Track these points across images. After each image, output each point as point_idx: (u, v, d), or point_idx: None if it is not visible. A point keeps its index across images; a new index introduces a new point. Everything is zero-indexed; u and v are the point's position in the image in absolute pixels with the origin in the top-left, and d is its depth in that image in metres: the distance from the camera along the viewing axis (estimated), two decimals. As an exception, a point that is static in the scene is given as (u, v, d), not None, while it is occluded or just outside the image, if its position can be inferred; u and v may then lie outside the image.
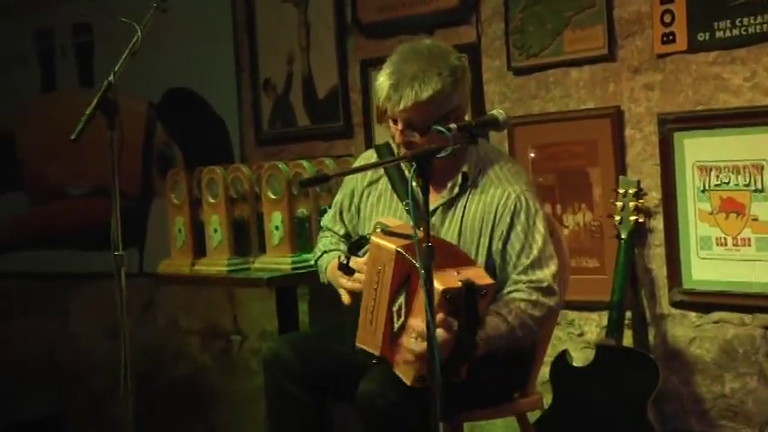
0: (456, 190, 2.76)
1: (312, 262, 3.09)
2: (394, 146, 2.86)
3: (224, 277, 3.57)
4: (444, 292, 2.42)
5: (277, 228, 3.48)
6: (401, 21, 3.73)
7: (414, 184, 2.49)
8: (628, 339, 3.24)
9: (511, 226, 2.70)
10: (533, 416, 3.04)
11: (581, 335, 3.42)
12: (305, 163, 3.48)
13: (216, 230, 3.59)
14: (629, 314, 3.25)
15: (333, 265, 2.86)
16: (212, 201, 3.60)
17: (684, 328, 3.21)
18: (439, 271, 2.39)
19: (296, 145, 4.15)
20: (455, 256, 2.59)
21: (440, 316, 2.41)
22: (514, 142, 3.48)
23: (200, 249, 3.69)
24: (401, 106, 2.65)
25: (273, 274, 3.43)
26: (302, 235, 3.51)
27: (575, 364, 3.16)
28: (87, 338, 5.05)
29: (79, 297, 5.12)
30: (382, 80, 2.71)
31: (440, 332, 2.40)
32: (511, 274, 2.70)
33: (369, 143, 3.91)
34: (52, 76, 5.04)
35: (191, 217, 3.68)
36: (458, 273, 2.48)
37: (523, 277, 2.68)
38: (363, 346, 2.65)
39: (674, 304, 3.22)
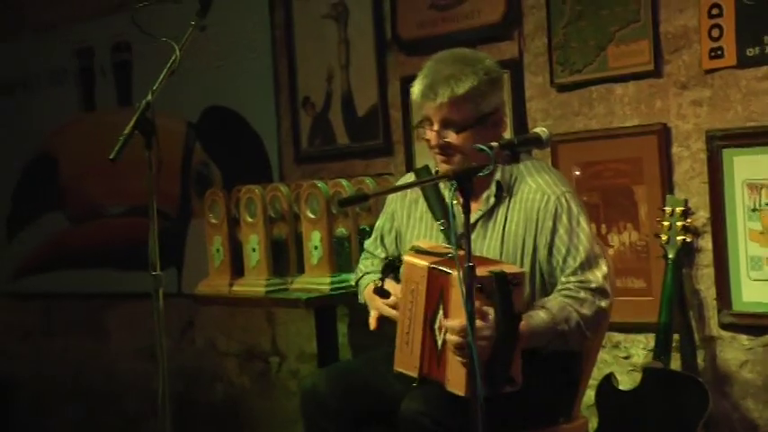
0: (492, 200, 2.71)
1: (353, 283, 3.04)
2: (432, 167, 2.81)
3: (262, 298, 3.53)
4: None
5: (316, 247, 3.44)
6: (442, 37, 3.68)
7: (454, 201, 2.45)
8: (676, 363, 3.15)
9: (554, 231, 2.65)
10: (579, 441, 2.96)
11: (627, 357, 3.34)
12: (344, 182, 3.44)
13: (254, 250, 3.56)
14: (676, 336, 3.16)
15: (369, 288, 2.82)
16: (251, 220, 3.57)
17: (735, 351, 3.12)
18: None
19: (335, 163, 4.11)
20: (485, 262, 2.52)
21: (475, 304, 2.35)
22: (558, 160, 3.41)
23: (238, 269, 3.66)
24: (437, 102, 2.63)
25: (312, 294, 3.39)
26: (341, 255, 3.46)
27: (621, 387, 3.09)
28: (124, 359, 5.03)
29: (116, 317, 5.11)
30: (417, 83, 2.70)
31: (479, 323, 2.34)
32: (559, 276, 2.64)
33: (409, 161, 3.86)
34: (91, 95, 5.05)
35: (229, 237, 3.66)
36: (486, 268, 2.42)
37: (572, 278, 2.62)
38: (402, 370, 2.61)
39: (724, 326, 3.13)
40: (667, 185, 3.21)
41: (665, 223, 3.11)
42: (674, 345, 3.13)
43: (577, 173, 3.39)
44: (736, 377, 3.12)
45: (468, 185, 2.33)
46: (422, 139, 2.80)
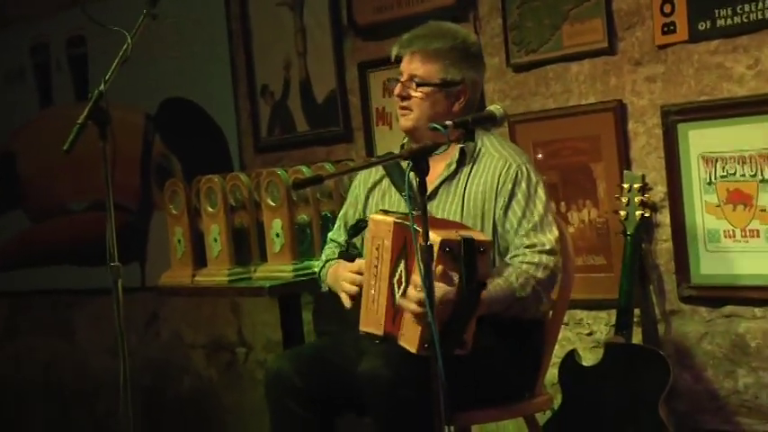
0: (453, 166, 2.76)
1: (317, 271, 3.04)
2: (399, 147, 2.84)
3: (225, 287, 3.52)
4: (443, 243, 2.40)
5: (278, 235, 3.42)
6: (398, 21, 3.67)
7: (412, 175, 2.45)
8: (637, 337, 3.17)
9: (512, 194, 2.71)
10: (543, 417, 2.98)
11: (590, 334, 3.36)
12: (304, 169, 3.42)
13: (216, 240, 3.54)
14: (638, 311, 3.18)
15: (332, 271, 2.83)
16: (211, 210, 3.55)
17: (695, 324, 3.15)
18: (436, 230, 2.40)
19: (296, 151, 4.10)
20: (452, 225, 2.58)
21: (439, 268, 2.40)
22: (516, 140, 3.42)
23: (200, 260, 3.64)
24: (408, 51, 2.77)
25: (275, 282, 3.37)
26: (303, 241, 3.45)
27: (584, 363, 3.11)
28: (91, 356, 5.00)
29: (82, 314, 5.08)
30: (396, 43, 2.83)
31: (440, 285, 2.39)
32: (512, 240, 2.69)
33: (369, 146, 3.86)
34: (49, 91, 5.00)
35: (190, 227, 3.63)
36: (456, 231, 2.47)
37: (525, 241, 2.67)
38: (367, 329, 2.62)
39: (684, 299, 3.15)
40: (624, 162, 3.22)
41: (624, 199, 3.13)
42: (635, 320, 3.15)
43: (540, 156, 3.40)
44: (697, 349, 3.15)
45: (423, 165, 2.34)
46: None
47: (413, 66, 2.77)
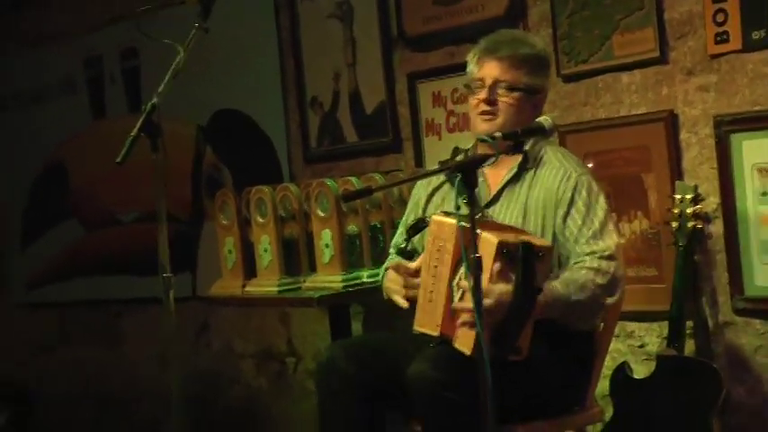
0: (515, 170, 2.77)
1: (379, 283, 3.03)
2: (462, 153, 2.85)
3: (275, 298, 3.53)
4: (501, 245, 2.41)
5: (327, 246, 3.43)
6: (447, 31, 3.69)
7: (479, 179, 2.53)
8: (690, 349, 3.13)
9: (572, 202, 2.70)
10: (593, 429, 2.95)
11: (641, 346, 3.33)
12: (353, 179, 3.43)
13: (266, 250, 3.56)
14: (690, 323, 3.15)
15: (385, 281, 2.84)
16: (261, 221, 3.56)
17: (749, 336, 3.10)
18: (496, 232, 2.42)
19: (345, 162, 4.11)
20: (513, 230, 2.59)
21: (497, 265, 2.40)
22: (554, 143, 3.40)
23: (250, 270, 3.66)
24: (497, 55, 2.75)
25: (324, 292, 3.38)
26: (353, 252, 3.46)
27: (635, 376, 3.07)
28: (141, 365, 5.04)
29: (131, 323, 5.12)
30: (474, 50, 2.81)
31: (497, 286, 2.40)
32: (573, 248, 2.67)
33: (418, 157, 3.86)
34: (102, 103, 5.07)
35: (240, 238, 3.65)
36: (516, 236, 2.48)
37: (585, 248, 2.65)
38: (421, 329, 2.62)
39: (737, 312, 3.11)
40: (676, 172, 3.19)
41: (676, 210, 3.09)
42: (687, 332, 3.11)
43: (590, 166, 3.38)
44: (751, 362, 3.10)
45: (472, 177, 2.34)
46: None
47: (500, 71, 2.75)
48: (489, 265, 2.41)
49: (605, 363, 2.91)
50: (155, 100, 2.66)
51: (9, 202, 5.59)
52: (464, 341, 2.47)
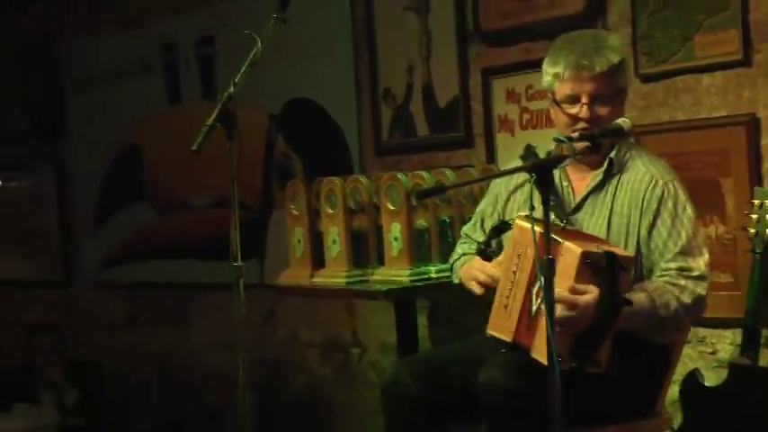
0: (600, 177, 2.71)
1: (448, 265, 3.04)
2: (539, 151, 2.79)
3: (343, 289, 3.54)
4: (584, 255, 2.38)
5: (396, 239, 3.43)
6: (524, 27, 3.65)
7: (564, 183, 2.55)
8: (765, 359, 3.07)
9: (657, 213, 2.63)
10: (662, 437, 2.91)
11: (713, 353, 3.27)
12: (424, 174, 3.42)
13: (335, 242, 3.56)
14: (765, 333, 3.08)
15: (466, 267, 2.82)
16: (331, 212, 3.57)
17: (826, 348, 3.03)
18: (578, 241, 2.39)
19: (416, 155, 4.10)
20: (595, 240, 2.54)
21: (578, 277, 2.38)
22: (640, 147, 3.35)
23: (319, 260, 3.67)
24: (597, 70, 2.63)
25: (392, 286, 3.38)
26: (421, 247, 3.45)
27: (706, 383, 3.02)
28: (206, 349, 5.09)
29: (198, 307, 5.18)
30: (555, 62, 2.68)
31: (585, 297, 2.37)
32: (658, 262, 2.62)
33: (490, 153, 3.84)
34: (177, 89, 5.12)
35: (310, 228, 3.66)
36: (598, 246, 2.44)
37: (672, 264, 2.59)
38: (495, 333, 2.60)
39: (815, 322, 3.04)
40: (756, 177, 3.13)
41: (754, 216, 3.02)
42: (762, 341, 3.05)
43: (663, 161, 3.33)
44: (828, 375, 3.03)
45: (548, 178, 2.31)
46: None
47: (596, 84, 2.64)
48: (572, 274, 2.38)
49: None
50: (231, 90, 2.68)
51: (84, 183, 5.68)
52: (541, 351, 2.40)
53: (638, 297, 2.51)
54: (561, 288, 2.35)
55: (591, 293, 2.39)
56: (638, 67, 3.36)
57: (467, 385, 2.64)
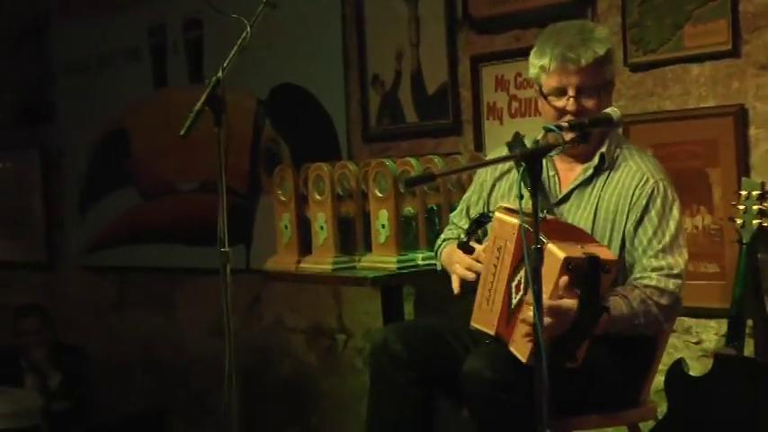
0: (590, 171, 2.71)
1: (434, 251, 3.03)
2: (527, 140, 2.80)
3: (329, 275, 3.53)
4: (567, 260, 2.37)
5: (383, 226, 3.42)
6: (513, 15, 3.64)
7: (550, 173, 2.54)
8: (749, 349, 3.08)
9: (645, 210, 2.64)
10: (646, 426, 2.92)
11: (698, 343, 3.28)
12: (413, 161, 3.41)
13: (322, 228, 3.56)
14: (750, 322, 3.09)
15: (447, 251, 2.82)
16: (319, 198, 3.56)
17: (811, 339, 3.05)
18: (561, 243, 2.37)
19: (404, 142, 4.09)
20: (579, 236, 2.53)
21: (563, 279, 2.37)
22: (631, 141, 3.34)
23: (306, 246, 3.66)
24: (583, 63, 2.62)
25: (379, 273, 3.38)
26: (409, 234, 3.44)
27: (691, 373, 3.03)
28: (192, 334, 5.09)
29: (184, 292, 5.17)
30: (541, 53, 2.67)
31: (565, 301, 2.37)
32: (640, 258, 2.62)
33: (478, 141, 3.83)
34: (164, 72, 5.09)
35: (297, 214, 3.65)
36: (581, 247, 2.42)
37: (654, 262, 2.60)
38: (478, 326, 2.61)
39: (800, 313, 3.06)
40: (743, 168, 3.13)
41: (741, 207, 3.03)
42: (747, 331, 3.06)
43: (650, 153, 3.33)
44: (812, 365, 3.04)
45: (537, 167, 2.31)
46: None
47: (583, 77, 2.63)
48: (554, 278, 2.37)
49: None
50: (219, 74, 2.66)
51: (70, 166, 5.65)
52: (521, 348, 2.44)
53: (619, 304, 2.52)
54: (544, 291, 2.33)
55: (571, 299, 2.39)
56: (627, 56, 3.36)
57: (453, 356, 2.65)
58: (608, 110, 2.55)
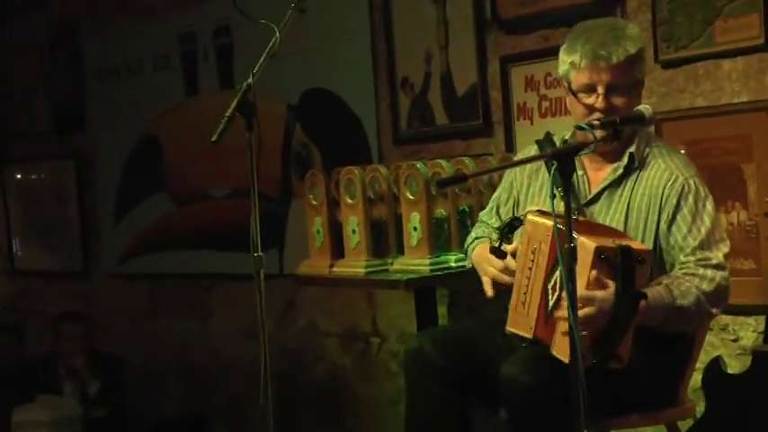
0: (620, 171, 2.68)
1: (464, 249, 3.03)
2: (556, 138, 2.78)
3: (362, 279, 3.53)
4: (598, 250, 2.35)
5: (415, 229, 3.42)
6: (542, 15, 3.63)
7: (579, 172, 2.51)
8: (788, 346, 3.05)
9: (677, 208, 2.61)
10: (685, 425, 2.90)
11: (736, 340, 3.26)
12: (443, 163, 3.41)
13: (354, 231, 3.56)
14: (788, 319, 3.06)
15: (478, 251, 2.81)
16: (350, 201, 3.57)
17: None
18: (592, 236, 2.36)
19: (434, 144, 4.09)
20: (611, 233, 2.51)
21: (593, 273, 2.34)
22: (661, 139, 3.33)
23: (338, 250, 3.67)
24: (614, 60, 2.59)
25: (412, 275, 3.37)
26: (441, 236, 3.44)
27: (729, 371, 3.00)
28: (226, 339, 5.11)
29: (218, 298, 5.19)
30: (572, 50, 2.65)
31: (600, 293, 2.34)
32: (678, 256, 2.59)
33: (509, 141, 3.82)
34: (194, 79, 5.12)
35: (329, 218, 3.66)
36: (613, 240, 2.40)
37: (691, 258, 2.57)
38: (514, 330, 2.59)
39: (839, 309, 3.02)
40: (778, 163, 3.11)
41: (776, 202, 3.01)
42: (785, 328, 3.03)
43: (682, 151, 3.31)
44: None
45: (569, 166, 2.30)
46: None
47: (613, 75, 2.60)
48: (586, 271, 2.36)
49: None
50: (250, 80, 2.68)
51: (104, 174, 5.69)
52: (562, 349, 2.41)
53: (656, 289, 2.49)
54: (577, 285, 2.32)
55: (607, 289, 2.38)
56: (658, 54, 3.34)
57: (488, 362, 2.64)
58: (640, 107, 2.54)
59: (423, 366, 2.72)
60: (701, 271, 2.55)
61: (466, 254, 2.97)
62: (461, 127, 4.00)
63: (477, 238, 2.92)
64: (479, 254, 2.79)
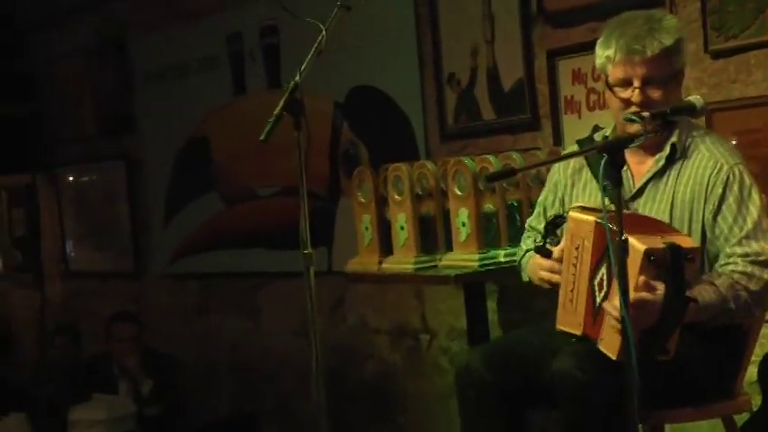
0: (662, 162, 2.65)
1: (516, 262, 3.01)
2: (597, 137, 2.76)
3: (411, 275, 3.54)
4: (647, 252, 2.33)
5: (464, 224, 3.42)
6: (589, 7, 3.60)
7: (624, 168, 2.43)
8: None
9: (723, 197, 2.57)
10: (740, 419, 2.86)
11: (792, 333, 3.20)
12: (491, 158, 3.40)
13: (402, 228, 3.56)
14: None
15: (532, 262, 2.79)
16: (398, 198, 3.57)
17: None
18: (641, 236, 2.33)
19: (481, 139, 4.08)
20: (658, 227, 2.48)
21: (641, 279, 2.33)
22: (714, 129, 3.29)
23: (387, 247, 3.68)
24: (648, 54, 2.57)
25: (461, 271, 3.37)
26: (489, 231, 3.43)
27: (785, 364, 2.96)
28: (277, 337, 5.14)
29: (268, 296, 5.22)
30: (607, 44, 2.63)
31: (645, 295, 2.33)
32: (723, 247, 2.56)
33: (556, 135, 3.80)
34: (242, 79, 5.15)
35: (377, 215, 3.67)
36: (661, 237, 2.38)
37: (737, 249, 2.54)
38: (564, 328, 2.58)
39: None
40: (832, 153, 3.06)
41: (831, 193, 2.96)
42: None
43: (734, 142, 3.27)
44: None
45: (619, 157, 2.28)
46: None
47: (649, 68, 2.57)
48: (636, 272, 2.33)
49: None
50: (297, 78, 2.69)
51: (154, 175, 5.75)
52: (610, 345, 2.40)
53: (706, 291, 2.46)
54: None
55: (657, 291, 2.35)
56: (707, 43, 3.30)
57: (538, 372, 2.63)
58: (691, 98, 2.50)
59: (471, 382, 2.71)
60: (749, 269, 2.51)
61: (520, 267, 2.94)
62: (508, 121, 3.99)
63: (528, 251, 2.90)
64: (532, 264, 2.78)
